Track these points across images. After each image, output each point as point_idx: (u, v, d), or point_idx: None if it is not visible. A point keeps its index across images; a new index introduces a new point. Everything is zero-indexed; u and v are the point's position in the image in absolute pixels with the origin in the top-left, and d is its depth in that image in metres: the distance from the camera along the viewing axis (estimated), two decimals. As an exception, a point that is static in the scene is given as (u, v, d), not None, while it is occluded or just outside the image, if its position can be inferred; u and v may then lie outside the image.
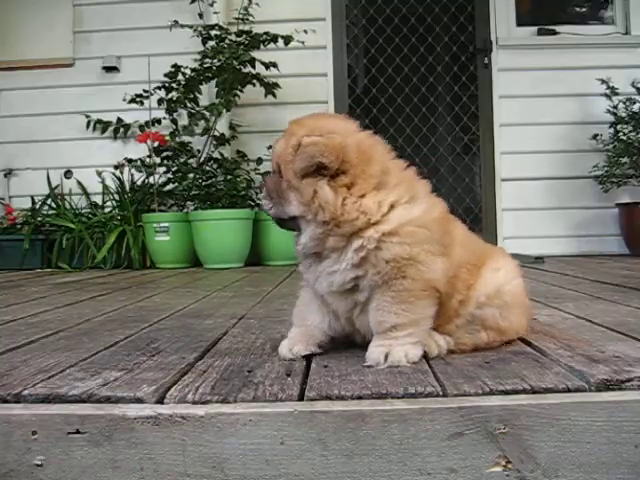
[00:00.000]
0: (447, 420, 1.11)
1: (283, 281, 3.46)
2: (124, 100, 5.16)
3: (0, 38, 5.80)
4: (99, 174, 5.45)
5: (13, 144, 5.73)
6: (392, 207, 1.38)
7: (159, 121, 5.39)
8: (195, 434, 1.10)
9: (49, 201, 5.62)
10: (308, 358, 1.44)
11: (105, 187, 5.53)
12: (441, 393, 1.17)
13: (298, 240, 1.42)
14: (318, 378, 1.27)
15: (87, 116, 5.65)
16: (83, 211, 5.51)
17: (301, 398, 1.16)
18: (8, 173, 5.74)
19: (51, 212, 5.53)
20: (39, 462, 1.12)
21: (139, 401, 1.16)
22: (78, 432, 1.12)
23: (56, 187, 5.64)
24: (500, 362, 1.37)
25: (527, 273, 3.68)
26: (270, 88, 5.01)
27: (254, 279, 3.77)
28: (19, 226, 5.48)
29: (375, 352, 1.38)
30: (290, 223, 1.42)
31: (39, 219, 5.43)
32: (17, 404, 1.17)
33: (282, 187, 1.39)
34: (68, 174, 5.66)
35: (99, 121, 5.64)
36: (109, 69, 5.69)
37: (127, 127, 5.63)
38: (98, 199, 5.61)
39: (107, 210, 5.52)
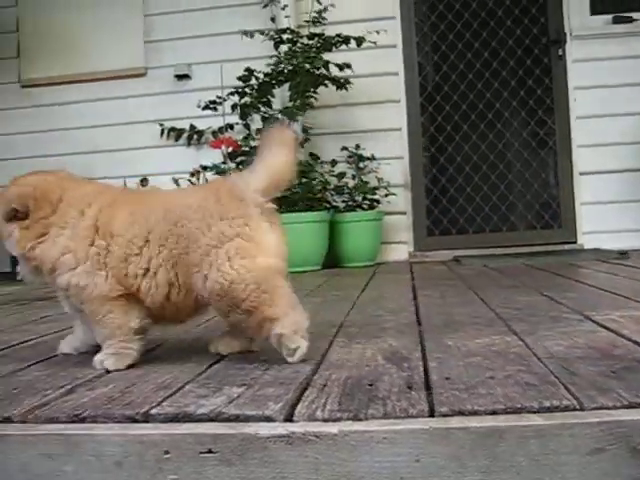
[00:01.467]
0: (587, 435, 1.07)
1: (368, 284, 3.44)
2: (198, 107, 5.20)
3: (73, 51, 5.91)
4: (175, 181, 5.50)
5: (89, 154, 5.83)
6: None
7: (232, 126, 5.42)
8: (328, 452, 1.09)
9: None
10: (425, 370, 1.42)
11: (181, 194, 5.58)
12: (578, 407, 1.13)
13: (18, 269, 1.71)
14: (444, 392, 1.24)
15: (161, 124, 5.71)
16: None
17: (432, 414, 1.14)
18: (88, 182, 5.83)
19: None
20: (172, 481, 1.12)
21: (268, 419, 1.15)
22: (210, 452, 1.11)
23: (133, 195, 5.71)
24: (628, 371, 1.33)
25: (611, 269, 3.60)
26: (342, 85, 4.98)
27: (337, 282, 3.76)
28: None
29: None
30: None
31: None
32: (146, 424, 1.18)
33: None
34: (144, 182, 5.73)
35: (172, 129, 5.71)
36: (181, 77, 5.74)
37: (200, 134, 5.67)
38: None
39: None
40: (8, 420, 1.23)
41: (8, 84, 6.04)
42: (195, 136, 5.69)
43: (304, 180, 4.91)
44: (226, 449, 1.11)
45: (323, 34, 4.87)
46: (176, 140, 5.73)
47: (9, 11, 6.05)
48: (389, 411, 1.15)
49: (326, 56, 4.93)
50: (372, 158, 5.11)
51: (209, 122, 5.55)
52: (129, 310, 1.60)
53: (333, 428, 1.10)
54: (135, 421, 1.19)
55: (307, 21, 5.00)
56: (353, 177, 5.16)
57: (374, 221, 5.04)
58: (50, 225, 1.62)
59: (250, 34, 4.93)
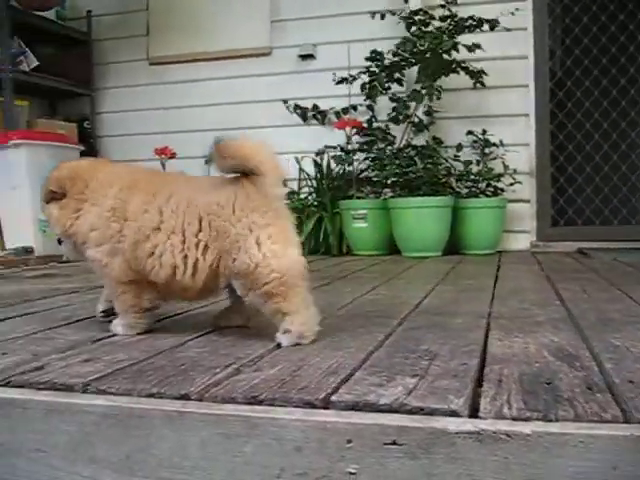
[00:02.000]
0: None
1: (498, 273, 3.36)
2: (333, 80, 5.20)
3: (200, 29, 5.99)
4: (298, 161, 5.54)
5: (214, 132, 5.87)
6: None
7: (355, 108, 5.40)
8: (520, 453, 1.05)
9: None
10: (601, 370, 1.36)
11: (302, 173, 5.61)
12: None
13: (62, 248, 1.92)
14: (635, 396, 1.18)
15: (285, 102, 5.72)
16: (281, 197, 5.61)
17: (626, 419, 1.08)
18: (209, 160, 5.91)
19: (250, 198, 5.67)
20: (353, 470, 1.11)
21: (454, 414, 1.12)
22: (395, 443, 1.09)
23: (254, 173, 5.76)
24: None
25: None
26: (477, 76, 4.89)
27: (464, 270, 3.69)
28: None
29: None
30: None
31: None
32: (327, 410, 1.16)
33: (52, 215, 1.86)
34: (265, 161, 5.77)
35: (297, 107, 5.71)
36: (305, 57, 5.74)
37: (323, 114, 5.66)
38: (293, 185, 5.69)
39: (302, 196, 5.60)
40: (186, 397, 1.24)
41: (137, 61, 6.19)
42: (318, 116, 5.67)
43: (428, 164, 4.85)
44: (412, 442, 1.08)
45: (456, 15, 4.77)
46: (300, 120, 5.72)
47: (140, -10, 6.18)
48: (580, 414, 1.10)
49: (456, 38, 4.82)
50: (500, 144, 4.99)
51: (332, 103, 5.54)
52: (141, 293, 1.79)
53: (525, 428, 1.05)
54: (314, 407, 1.17)
55: (442, 5, 4.89)
56: (477, 163, 5.05)
57: (497, 208, 4.93)
58: (83, 201, 1.79)
59: (381, 15, 4.88)
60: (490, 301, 2.38)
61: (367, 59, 5.00)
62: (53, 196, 1.82)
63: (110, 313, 1.94)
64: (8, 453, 1.28)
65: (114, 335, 1.82)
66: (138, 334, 1.83)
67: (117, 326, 1.84)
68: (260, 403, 1.20)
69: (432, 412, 1.13)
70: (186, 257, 1.70)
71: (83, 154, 5.20)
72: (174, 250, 1.70)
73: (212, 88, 5.97)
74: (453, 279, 3.18)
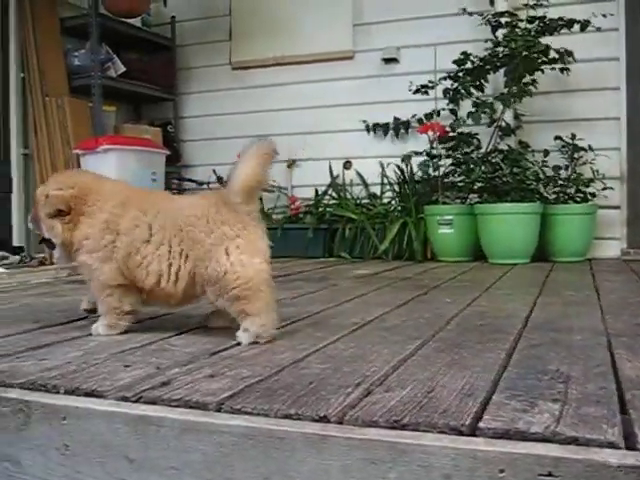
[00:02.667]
0: None
1: (597, 284, 3.27)
2: (409, 90, 5.15)
3: (282, 34, 6.01)
4: (382, 166, 5.51)
5: (296, 136, 5.93)
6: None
7: (438, 113, 5.34)
8: (687, 490, 1.00)
9: (330, 191, 5.76)
10: None
11: (385, 178, 5.57)
12: None
13: (54, 253, 2.15)
14: None
15: (364, 121, 5.70)
16: (362, 202, 5.59)
17: None
18: (291, 164, 5.95)
19: (332, 202, 5.67)
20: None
21: (611, 445, 1.07)
22: (550, 475, 1.05)
23: (336, 177, 5.76)
24: None
25: None
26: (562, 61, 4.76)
27: (560, 279, 3.61)
28: (301, 215, 5.67)
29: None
30: (48, 243, 2.07)
31: (320, 209, 5.59)
32: (475, 437, 1.13)
33: (38, 219, 2.07)
34: (347, 165, 5.76)
35: (376, 125, 5.68)
36: (388, 60, 5.70)
37: (406, 124, 5.61)
38: (376, 189, 5.67)
39: (385, 201, 5.57)
40: (324, 419, 1.22)
41: (220, 66, 6.25)
42: (401, 128, 5.62)
43: (515, 169, 4.76)
44: (569, 474, 1.04)
45: (545, 17, 4.67)
46: (384, 134, 5.69)
47: (224, -5, 6.23)
48: None
49: (542, 40, 4.72)
50: (589, 149, 4.86)
51: (414, 107, 5.48)
52: (124, 296, 2.00)
53: (695, 464, 1.00)
54: (461, 433, 1.14)
55: (526, 4, 4.80)
56: (566, 168, 4.94)
57: (588, 215, 4.81)
58: (82, 214, 1.99)
59: (469, 13, 4.82)
60: (601, 316, 2.31)
61: (455, 62, 4.92)
62: (59, 213, 2.00)
63: (91, 311, 2.22)
64: (142, 469, 1.28)
65: (229, 347, 1.82)
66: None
67: (99, 327, 2.04)
68: (404, 428, 1.17)
69: (587, 443, 1.08)
70: (170, 265, 1.92)
71: (168, 158, 5.27)
72: (161, 259, 1.93)
73: (294, 92, 5.98)
74: (553, 290, 3.10)
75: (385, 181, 5.58)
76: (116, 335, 2.02)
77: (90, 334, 2.02)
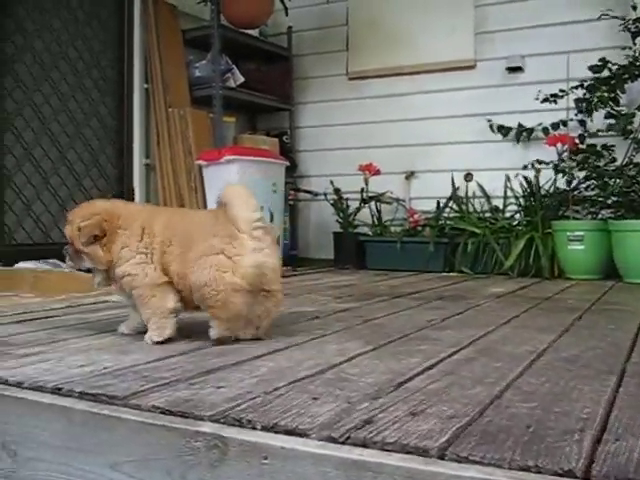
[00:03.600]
0: None
1: None
2: (536, 99, 4.96)
3: (401, 43, 5.90)
4: (508, 178, 5.33)
5: (414, 147, 5.81)
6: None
7: (565, 123, 5.13)
8: None
9: (450, 204, 5.60)
10: None
11: (509, 191, 5.39)
12: None
13: (94, 280, 2.29)
14: None
15: (489, 120, 5.53)
16: (485, 215, 5.42)
17: None
18: (409, 175, 5.82)
19: (452, 215, 5.51)
20: None
21: None
22: None
23: (457, 189, 5.60)
24: None
25: None
26: None
27: None
28: (419, 228, 5.54)
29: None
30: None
31: (440, 222, 5.44)
32: None
33: (77, 253, 2.22)
34: (468, 177, 5.60)
35: (501, 127, 5.50)
36: (513, 69, 5.52)
37: (530, 131, 5.41)
38: (498, 202, 5.48)
39: (507, 215, 5.38)
40: (570, 474, 1.09)
41: (336, 76, 6.17)
42: (524, 132, 5.43)
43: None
44: None
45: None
46: (505, 135, 5.50)
47: (340, 5, 6.18)
48: None
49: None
50: None
51: (539, 116, 5.29)
52: (166, 295, 2.15)
53: None
54: None
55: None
56: None
57: None
58: (117, 235, 2.17)
59: (609, 17, 4.60)
60: None
61: (591, 68, 4.70)
62: (95, 239, 2.17)
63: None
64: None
65: (411, 378, 1.71)
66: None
67: (151, 336, 2.17)
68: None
69: None
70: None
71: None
72: (177, 260, 2.15)
73: (412, 103, 5.87)
74: None
75: (509, 194, 5.37)
76: (281, 359, 1.94)
77: (256, 357, 1.95)
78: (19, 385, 1.65)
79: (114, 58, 5.24)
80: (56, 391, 1.59)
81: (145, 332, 2.20)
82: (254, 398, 1.51)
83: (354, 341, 2.22)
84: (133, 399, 1.50)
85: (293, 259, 5.67)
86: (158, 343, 2.15)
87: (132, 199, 5.19)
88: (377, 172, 5.47)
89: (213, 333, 2.15)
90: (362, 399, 1.51)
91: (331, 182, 5.79)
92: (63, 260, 2.37)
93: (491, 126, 5.53)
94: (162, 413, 1.42)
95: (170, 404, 1.45)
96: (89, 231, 2.16)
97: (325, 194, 5.82)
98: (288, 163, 5.30)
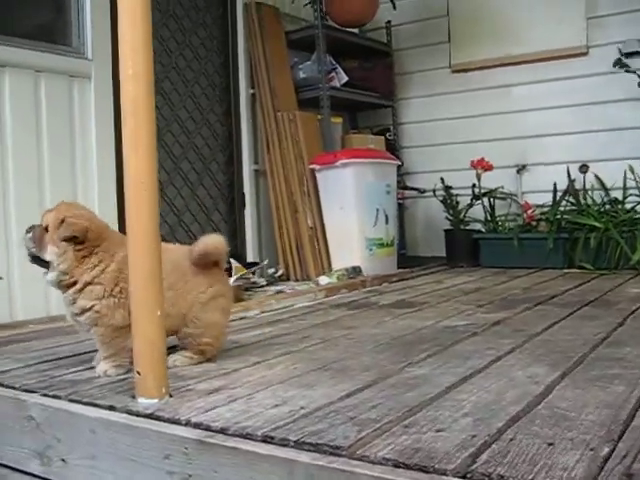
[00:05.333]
0: None
1: None
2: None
3: (505, 32, 5.73)
4: (631, 169, 5.12)
5: (525, 139, 5.64)
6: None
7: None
8: None
9: (566, 197, 5.41)
10: None
11: (632, 182, 5.17)
12: None
13: (47, 276, 2.13)
14: None
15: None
16: (605, 208, 5.21)
17: None
18: (521, 169, 5.66)
19: (568, 209, 5.32)
20: None
21: None
22: None
23: (573, 181, 5.40)
24: None
25: None
26: None
27: None
28: (534, 223, 5.37)
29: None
30: (41, 262, 2.11)
31: (557, 216, 5.25)
32: None
33: (45, 239, 2.08)
34: (583, 168, 5.40)
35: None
36: (629, 55, 5.28)
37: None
38: (616, 194, 5.27)
39: (627, 206, 5.16)
40: None
41: (438, 69, 6.05)
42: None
43: None
44: None
45: None
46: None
47: (440, -5, 6.02)
48: None
49: None
50: None
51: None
52: (129, 336, 1.96)
53: None
54: None
55: None
56: None
57: None
58: (94, 254, 2.10)
59: None
60: None
61: None
62: (72, 239, 2.07)
63: None
64: None
65: (632, 417, 1.60)
66: None
67: (107, 370, 2.17)
68: None
69: None
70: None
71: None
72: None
73: (521, 93, 5.70)
74: None
75: (630, 185, 5.16)
76: (473, 388, 1.86)
77: (449, 388, 1.87)
78: (224, 432, 1.60)
79: (220, 65, 5.22)
80: (268, 440, 1.54)
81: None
82: (486, 445, 1.43)
83: (536, 364, 2.12)
84: (357, 449, 1.44)
85: (403, 258, 5.57)
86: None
87: (243, 205, 5.17)
88: (490, 167, 5.32)
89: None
90: (600, 443, 1.42)
91: (441, 179, 5.66)
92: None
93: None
94: (396, 466, 1.35)
95: (400, 455, 1.38)
96: (74, 230, 2.06)
97: (434, 190, 5.69)
98: (400, 162, 5.20)
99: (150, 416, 1.75)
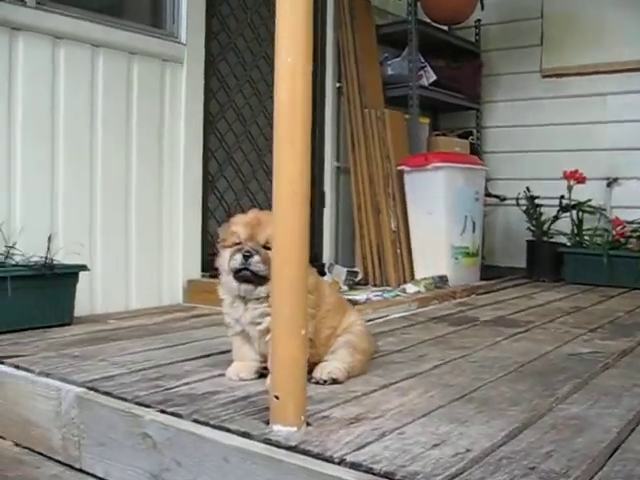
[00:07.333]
0: None
1: None
2: None
3: (606, 39, 5.43)
4: None
5: (616, 151, 5.36)
6: None
7: None
8: None
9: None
10: None
11: None
12: None
13: (255, 290, 2.05)
14: None
15: None
16: None
17: None
18: (612, 182, 5.38)
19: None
20: None
21: None
22: None
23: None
24: None
25: None
26: None
27: None
28: (623, 240, 5.09)
29: None
30: (257, 280, 2.03)
31: (654, 234, 4.96)
32: None
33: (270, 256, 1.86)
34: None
35: None
36: None
37: None
38: None
39: None
40: None
41: (529, 73, 5.78)
42: None
43: None
44: None
45: None
46: None
47: (535, -4, 5.76)
48: None
49: None
50: None
51: None
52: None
53: None
54: None
55: None
56: None
57: None
58: None
59: None
60: None
61: None
62: None
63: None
64: None
65: None
66: None
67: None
68: None
69: None
70: None
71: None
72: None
73: (616, 103, 5.41)
74: None
75: None
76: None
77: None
78: (389, 477, 1.40)
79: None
80: (446, 491, 1.33)
81: (263, 375, 2.09)
82: None
83: None
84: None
85: (481, 267, 5.32)
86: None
87: (323, 203, 4.96)
88: (582, 180, 5.05)
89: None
90: None
91: (527, 188, 5.38)
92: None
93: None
94: None
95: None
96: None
97: (517, 199, 5.43)
98: (487, 168, 4.97)
99: (295, 449, 1.55)
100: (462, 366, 2.40)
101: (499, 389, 2.08)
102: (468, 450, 1.54)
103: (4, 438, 2.22)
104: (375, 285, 4.69)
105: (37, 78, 3.25)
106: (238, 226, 2.07)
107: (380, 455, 1.50)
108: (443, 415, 1.81)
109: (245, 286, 2.05)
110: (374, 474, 1.42)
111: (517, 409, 1.87)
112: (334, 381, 2.07)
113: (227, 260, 2.06)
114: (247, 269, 2.00)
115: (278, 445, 1.58)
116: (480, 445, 1.57)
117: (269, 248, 1.93)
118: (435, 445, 1.57)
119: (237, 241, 2.05)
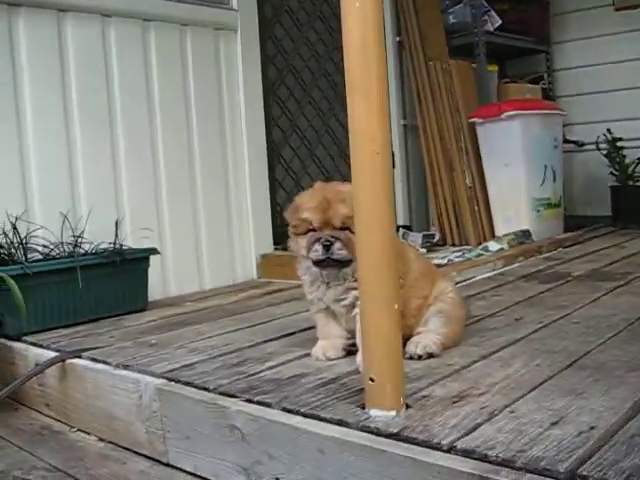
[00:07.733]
0: None
1: None
2: None
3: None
4: None
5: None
6: None
7: None
8: None
9: None
10: None
11: None
12: None
13: (340, 272, 1.89)
14: None
15: None
16: None
17: None
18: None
19: None
20: None
21: None
22: None
23: None
24: None
25: None
26: None
27: None
28: None
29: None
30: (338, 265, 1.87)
31: None
32: None
33: (352, 240, 1.74)
34: None
35: None
36: None
37: None
38: None
39: None
40: None
41: (600, 7, 5.43)
42: None
43: None
44: None
45: None
46: None
47: None
48: None
49: None
50: None
51: None
52: None
53: None
54: None
55: None
56: None
57: None
58: None
59: None
60: None
61: None
62: None
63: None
64: None
65: None
66: None
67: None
68: None
69: None
70: None
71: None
72: None
73: None
74: None
75: None
76: None
77: None
78: (509, 465, 1.23)
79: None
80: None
81: (351, 352, 1.95)
82: None
83: None
84: None
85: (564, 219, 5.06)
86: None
87: (392, 164, 4.75)
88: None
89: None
90: None
91: (608, 130, 5.08)
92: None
93: None
94: None
95: None
96: None
97: (597, 143, 5.13)
98: (565, 113, 4.69)
99: (397, 436, 1.40)
100: (564, 328, 2.21)
101: (611, 352, 1.89)
102: (592, 427, 1.36)
103: (88, 433, 2.14)
104: (454, 245, 4.49)
105: (89, 60, 3.14)
106: (308, 212, 1.87)
107: (494, 439, 1.33)
108: (555, 387, 1.63)
109: (328, 271, 1.91)
110: (490, 462, 1.25)
111: (637, 375, 1.68)
112: (430, 355, 1.90)
113: (304, 247, 1.89)
114: (330, 258, 1.84)
115: (378, 433, 1.43)
116: (605, 421, 1.39)
117: (346, 228, 1.82)
118: (554, 423, 1.39)
119: (310, 227, 1.88)
